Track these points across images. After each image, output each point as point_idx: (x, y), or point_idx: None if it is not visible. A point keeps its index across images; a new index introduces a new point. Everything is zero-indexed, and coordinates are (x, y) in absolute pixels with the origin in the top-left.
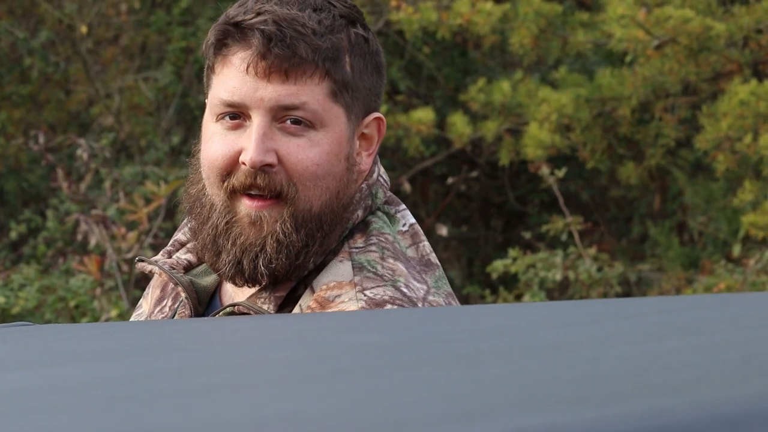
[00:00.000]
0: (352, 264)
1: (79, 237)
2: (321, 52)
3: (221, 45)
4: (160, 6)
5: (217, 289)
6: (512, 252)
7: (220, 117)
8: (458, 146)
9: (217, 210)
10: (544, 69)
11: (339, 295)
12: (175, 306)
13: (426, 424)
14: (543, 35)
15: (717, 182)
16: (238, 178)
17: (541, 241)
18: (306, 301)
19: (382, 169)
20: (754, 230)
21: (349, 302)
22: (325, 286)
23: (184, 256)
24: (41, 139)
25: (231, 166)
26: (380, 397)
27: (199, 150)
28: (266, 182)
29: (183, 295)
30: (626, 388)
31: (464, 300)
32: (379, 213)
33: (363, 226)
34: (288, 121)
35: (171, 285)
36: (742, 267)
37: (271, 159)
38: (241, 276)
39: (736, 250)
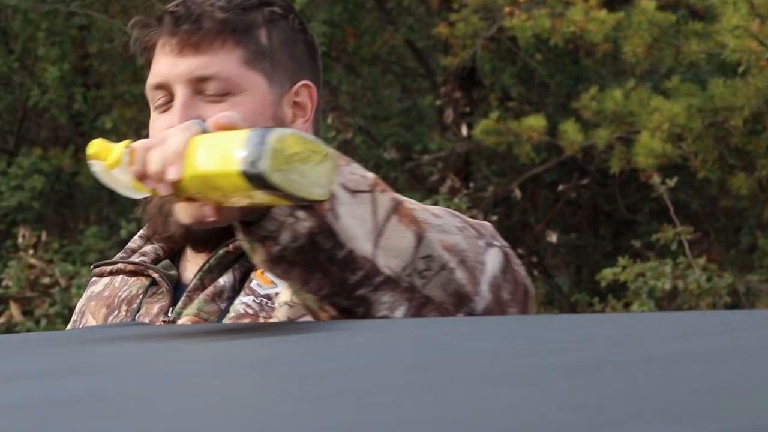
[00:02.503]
0: None
1: None
2: (228, 23)
3: (146, 40)
4: None
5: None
6: (621, 260)
7: (155, 106)
8: (569, 153)
9: None
10: (657, 78)
11: None
12: (132, 306)
13: None
14: (656, 44)
15: None
16: None
17: (650, 250)
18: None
19: None
20: None
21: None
22: None
23: (138, 259)
24: None
25: None
26: (490, 409)
27: None
28: None
29: (155, 276)
30: (743, 402)
31: (572, 308)
32: None
33: None
34: (207, 92)
35: (120, 295)
36: None
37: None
38: (192, 235)
39: None
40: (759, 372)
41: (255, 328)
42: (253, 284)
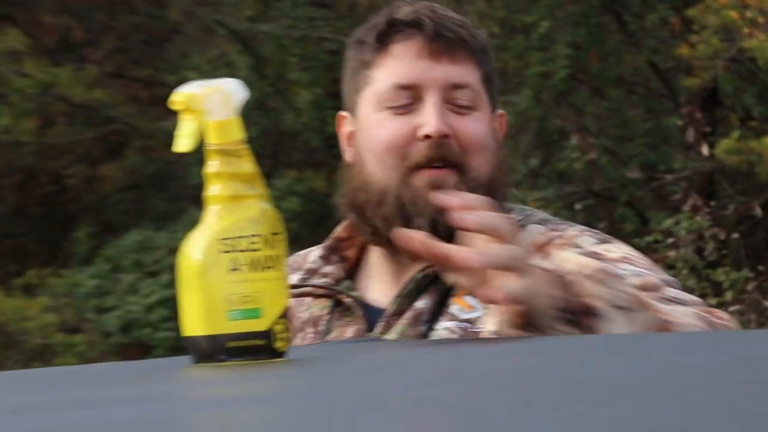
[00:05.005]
0: (530, 227)
1: None
2: (476, 41)
3: (384, 39)
4: (519, 31)
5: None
6: None
7: (388, 105)
8: None
9: (394, 188)
10: None
11: (552, 237)
12: (319, 328)
13: None
14: None
15: None
16: (420, 152)
17: None
18: None
19: None
20: None
21: (569, 229)
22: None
23: (321, 281)
24: None
25: (408, 144)
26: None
27: (351, 154)
28: (446, 152)
29: (346, 300)
30: None
31: None
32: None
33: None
34: (456, 102)
35: (301, 316)
36: None
37: (449, 130)
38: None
39: None
40: None
41: (477, 343)
42: (453, 309)
